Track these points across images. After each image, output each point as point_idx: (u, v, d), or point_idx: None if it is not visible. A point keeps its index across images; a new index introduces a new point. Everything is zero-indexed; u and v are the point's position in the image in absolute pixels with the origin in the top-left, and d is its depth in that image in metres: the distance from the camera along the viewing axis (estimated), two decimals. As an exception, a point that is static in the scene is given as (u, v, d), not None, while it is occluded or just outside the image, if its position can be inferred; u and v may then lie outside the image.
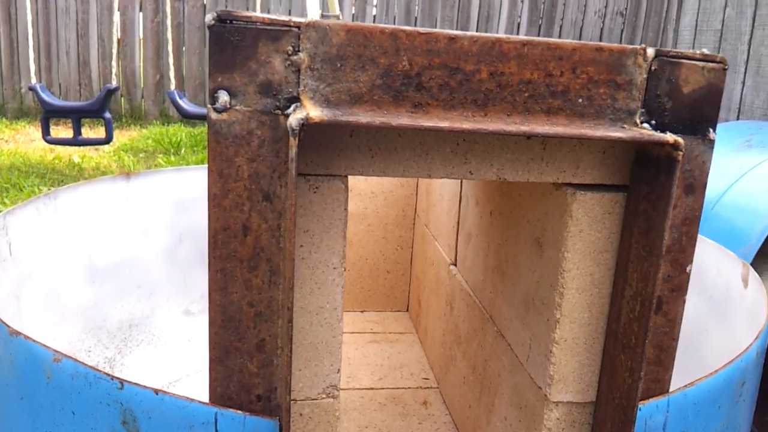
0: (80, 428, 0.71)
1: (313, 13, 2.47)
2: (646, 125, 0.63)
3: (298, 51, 0.61)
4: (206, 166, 1.69)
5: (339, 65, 0.62)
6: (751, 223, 1.61)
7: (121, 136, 4.33)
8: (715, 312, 1.24)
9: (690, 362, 1.22)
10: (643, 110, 0.63)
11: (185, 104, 2.82)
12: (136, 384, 0.67)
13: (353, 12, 4.85)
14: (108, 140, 2.95)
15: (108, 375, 0.67)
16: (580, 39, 4.86)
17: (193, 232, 1.76)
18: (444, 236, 1.24)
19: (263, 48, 0.61)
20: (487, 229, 0.98)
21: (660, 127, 0.64)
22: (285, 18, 0.61)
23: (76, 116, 2.94)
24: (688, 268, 0.71)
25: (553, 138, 0.62)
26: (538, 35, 4.86)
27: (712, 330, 1.23)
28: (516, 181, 0.66)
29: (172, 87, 2.89)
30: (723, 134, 1.85)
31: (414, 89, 0.62)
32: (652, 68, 0.64)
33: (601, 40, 4.92)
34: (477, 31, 4.80)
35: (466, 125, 0.58)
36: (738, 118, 3.17)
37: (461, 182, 1.13)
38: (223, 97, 0.63)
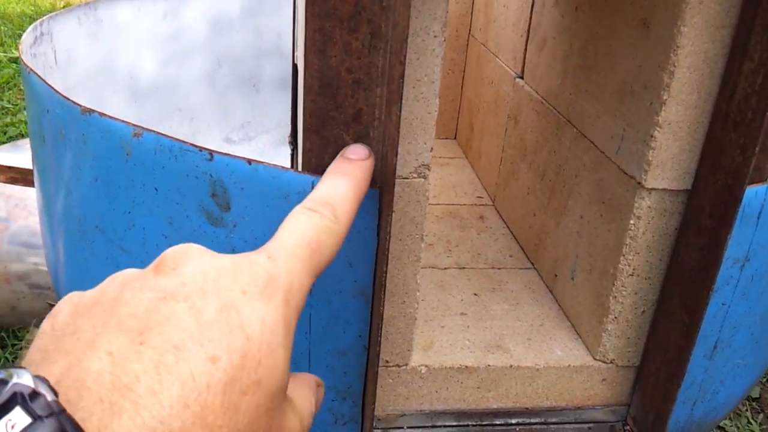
0: (164, 203, 0.69)
1: None
2: None
3: None
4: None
5: None
6: None
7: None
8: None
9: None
10: None
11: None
12: (226, 154, 0.65)
13: None
14: None
15: (196, 146, 0.65)
16: None
17: (230, 56, 1.70)
18: (508, 50, 1.19)
19: None
20: (570, 28, 0.92)
21: None
22: None
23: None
24: (810, 46, 0.67)
25: None
26: None
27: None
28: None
29: None
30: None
31: None
32: None
33: None
34: None
35: None
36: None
37: (535, -14, 1.06)
38: None
